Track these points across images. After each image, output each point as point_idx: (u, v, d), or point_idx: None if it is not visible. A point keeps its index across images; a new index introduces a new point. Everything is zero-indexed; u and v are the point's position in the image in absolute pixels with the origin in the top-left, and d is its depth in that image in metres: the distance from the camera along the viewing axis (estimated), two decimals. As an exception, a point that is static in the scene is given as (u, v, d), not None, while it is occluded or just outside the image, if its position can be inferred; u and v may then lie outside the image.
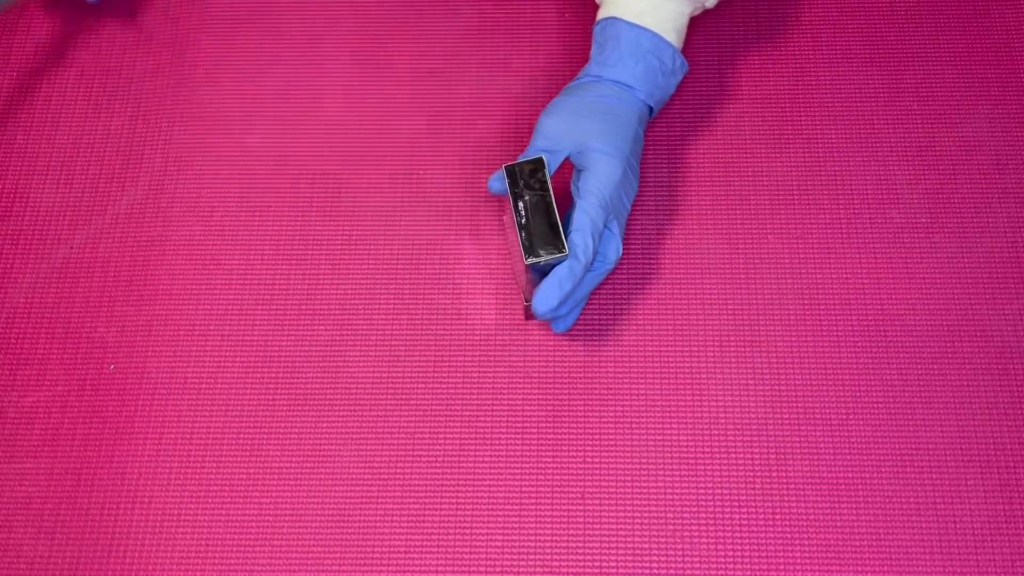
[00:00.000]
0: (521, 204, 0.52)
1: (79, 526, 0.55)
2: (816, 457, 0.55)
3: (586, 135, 0.55)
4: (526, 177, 0.52)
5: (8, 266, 0.61)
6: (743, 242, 0.60)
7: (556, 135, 0.56)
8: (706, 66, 0.64)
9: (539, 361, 0.58)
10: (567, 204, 0.56)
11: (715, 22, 0.65)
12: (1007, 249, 0.59)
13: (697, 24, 0.65)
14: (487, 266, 0.60)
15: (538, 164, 0.53)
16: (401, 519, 0.55)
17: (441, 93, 0.64)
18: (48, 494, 0.56)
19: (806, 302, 0.58)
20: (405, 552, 0.54)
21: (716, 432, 0.56)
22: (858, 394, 0.56)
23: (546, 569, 0.53)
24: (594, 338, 0.58)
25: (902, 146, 0.62)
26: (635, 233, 0.60)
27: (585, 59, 0.60)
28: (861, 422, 0.55)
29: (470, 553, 0.54)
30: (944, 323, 0.57)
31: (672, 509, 0.54)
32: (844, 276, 0.59)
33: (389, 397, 0.57)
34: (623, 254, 0.57)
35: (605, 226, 0.54)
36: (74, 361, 0.59)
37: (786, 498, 0.54)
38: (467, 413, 0.57)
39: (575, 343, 0.58)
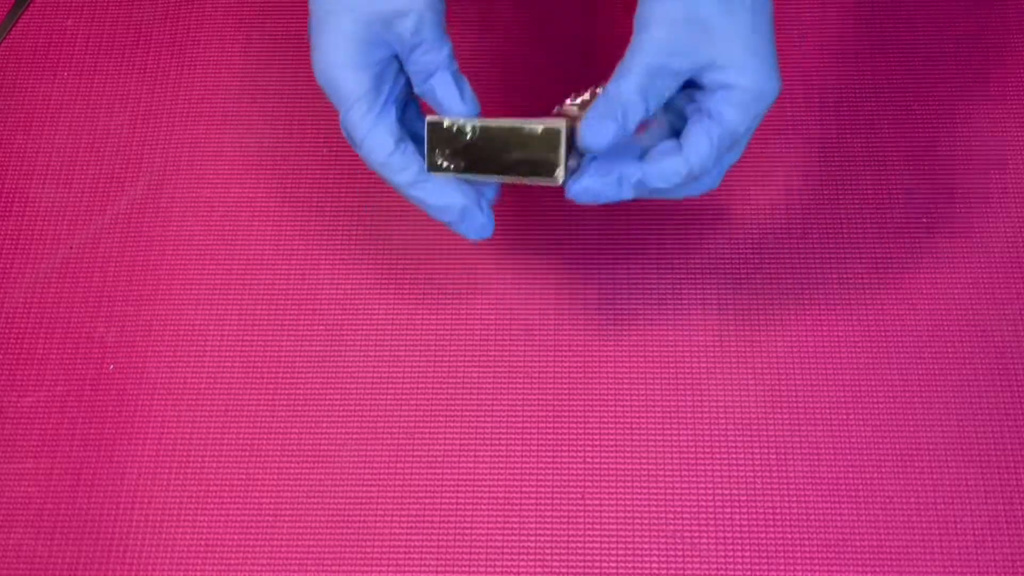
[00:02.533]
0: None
1: (78, 526, 0.55)
2: (816, 457, 0.55)
3: (709, 45, 0.42)
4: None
5: (7, 266, 0.61)
6: (743, 242, 0.60)
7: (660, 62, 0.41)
8: (706, 66, 0.64)
9: (539, 361, 0.58)
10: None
11: None
12: (1008, 249, 0.59)
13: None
14: (488, 266, 0.60)
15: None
16: (401, 519, 0.55)
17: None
18: (47, 494, 0.56)
19: (806, 302, 0.58)
20: (405, 552, 0.54)
21: (716, 432, 0.56)
22: (858, 394, 0.56)
23: (546, 569, 0.53)
24: (594, 338, 0.58)
25: (902, 146, 0.62)
26: (635, 232, 0.60)
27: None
28: (861, 422, 0.55)
29: (470, 553, 0.54)
30: (945, 323, 0.57)
31: (672, 509, 0.54)
32: (844, 276, 0.59)
33: (389, 397, 0.57)
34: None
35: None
36: (73, 361, 0.59)
37: (786, 498, 0.54)
38: (467, 413, 0.57)
39: (575, 343, 0.58)
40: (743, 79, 0.42)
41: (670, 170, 0.43)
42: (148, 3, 0.68)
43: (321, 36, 0.43)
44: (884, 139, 0.62)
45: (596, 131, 0.42)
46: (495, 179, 0.44)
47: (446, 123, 0.43)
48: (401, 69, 0.45)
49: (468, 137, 0.43)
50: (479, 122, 0.43)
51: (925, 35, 0.64)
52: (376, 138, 0.43)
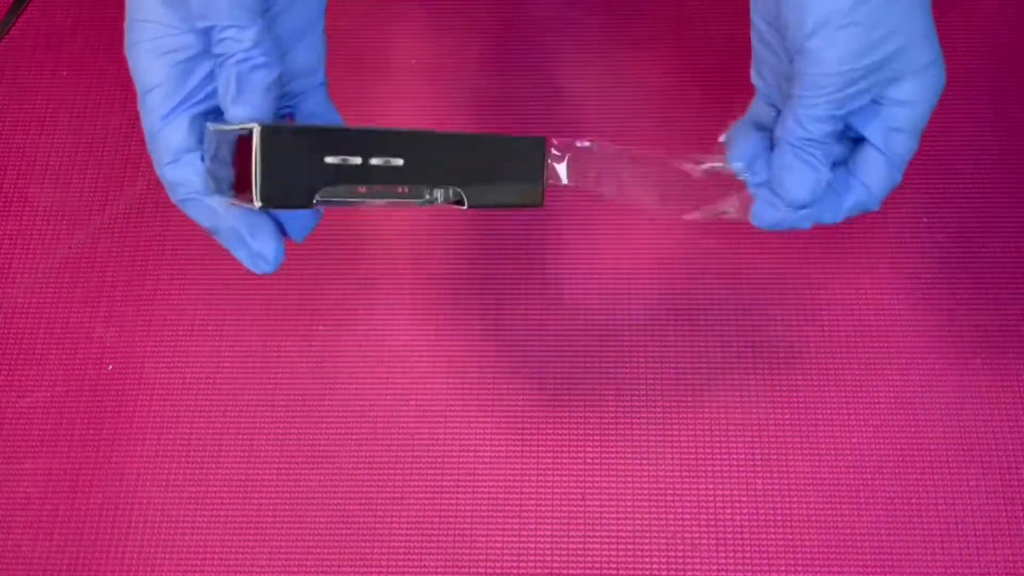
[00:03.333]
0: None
1: (77, 527, 0.55)
2: (817, 458, 0.55)
3: (885, 44, 0.35)
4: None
5: (6, 266, 0.61)
6: (744, 242, 0.59)
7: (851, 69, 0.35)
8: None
9: (539, 361, 0.57)
10: None
11: (716, 20, 0.65)
12: (1010, 249, 0.59)
13: (697, 26, 0.65)
14: (489, 265, 0.60)
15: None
16: (400, 520, 0.54)
17: (447, 91, 0.64)
18: (46, 494, 0.56)
19: (807, 302, 0.58)
20: (405, 552, 0.54)
21: (717, 432, 0.55)
22: (859, 395, 0.56)
23: (547, 571, 0.53)
24: (594, 338, 0.58)
25: (903, 146, 0.61)
26: (634, 233, 0.60)
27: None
28: (862, 422, 0.55)
29: (470, 554, 0.54)
30: (946, 324, 0.57)
31: (673, 510, 0.54)
32: (845, 276, 0.58)
33: (389, 397, 0.57)
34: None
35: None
36: (72, 361, 0.58)
37: (787, 499, 0.54)
38: (467, 413, 0.56)
39: (575, 343, 0.58)
40: (922, 84, 0.36)
41: (842, 205, 0.38)
42: (147, 3, 0.67)
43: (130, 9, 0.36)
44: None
45: (797, 182, 0.37)
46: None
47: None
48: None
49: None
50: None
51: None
52: (164, 139, 0.36)
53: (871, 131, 0.37)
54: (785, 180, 0.37)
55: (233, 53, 0.35)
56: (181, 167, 0.36)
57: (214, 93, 0.37)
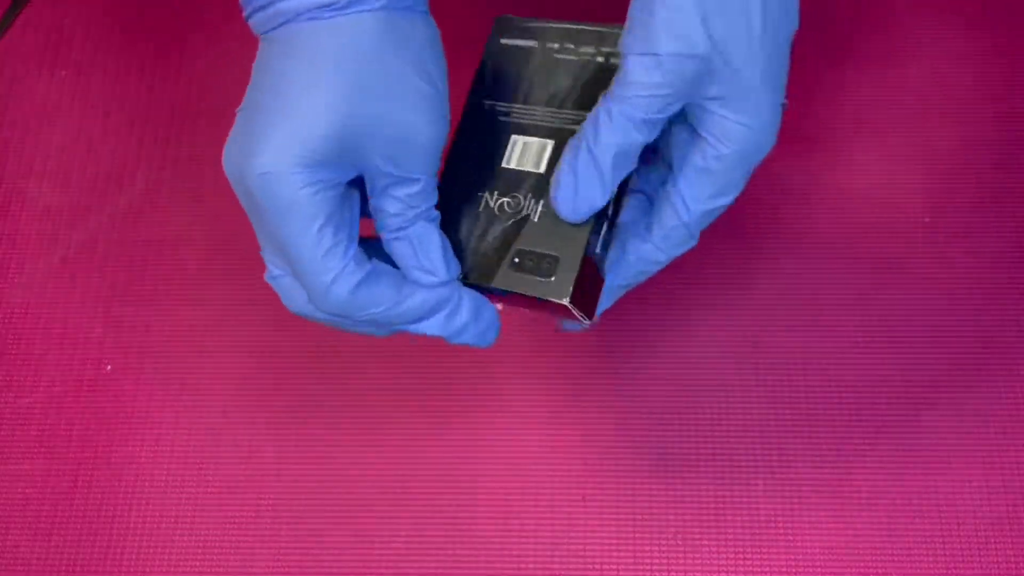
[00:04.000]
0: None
1: (76, 528, 0.55)
2: (818, 458, 0.55)
3: (711, 73, 0.32)
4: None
5: (6, 266, 0.61)
6: (744, 241, 0.59)
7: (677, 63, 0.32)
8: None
9: (539, 362, 0.57)
10: None
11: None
12: (1011, 250, 0.59)
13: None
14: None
15: None
16: (400, 522, 0.54)
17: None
18: (45, 495, 0.55)
19: (807, 302, 0.58)
20: (404, 554, 0.54)
21: (718, 433, 0.55)
22: (861, 394, 0.56)
23: (547, 571, 0.53)
24: (594, 339, 0.58)
25: (904, 145, 0.61)
26: (636, 233, 0.60)
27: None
28: (864, 422, 0.55)
29: (470, 556, 0.53)
30: (948, 324, 0.57)
31: (674, 512, 0.54)
32: (846, 276, 0.58)
33: (389, 398, 0.57)
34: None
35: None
36: (71, 361, 0.58)
37: (789, 500, 0.54)
38: (467, 414, 0.56)
39: (575, 345, 0.58)
40: (740, 124, 0.34)
41: (639, 267, 0.38)
42: (146, 1, 0.67)
43: (264, 131, 0.34)
44: (886, 138, 0.62)
45: (569, 203, 0.35)
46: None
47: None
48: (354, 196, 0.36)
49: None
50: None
51: (926, 33, 0.64)
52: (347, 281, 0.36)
53: (679, 158, 0.35)
54: (558, 197, 0.35)
55: (428, 207, 0.35)
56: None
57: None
